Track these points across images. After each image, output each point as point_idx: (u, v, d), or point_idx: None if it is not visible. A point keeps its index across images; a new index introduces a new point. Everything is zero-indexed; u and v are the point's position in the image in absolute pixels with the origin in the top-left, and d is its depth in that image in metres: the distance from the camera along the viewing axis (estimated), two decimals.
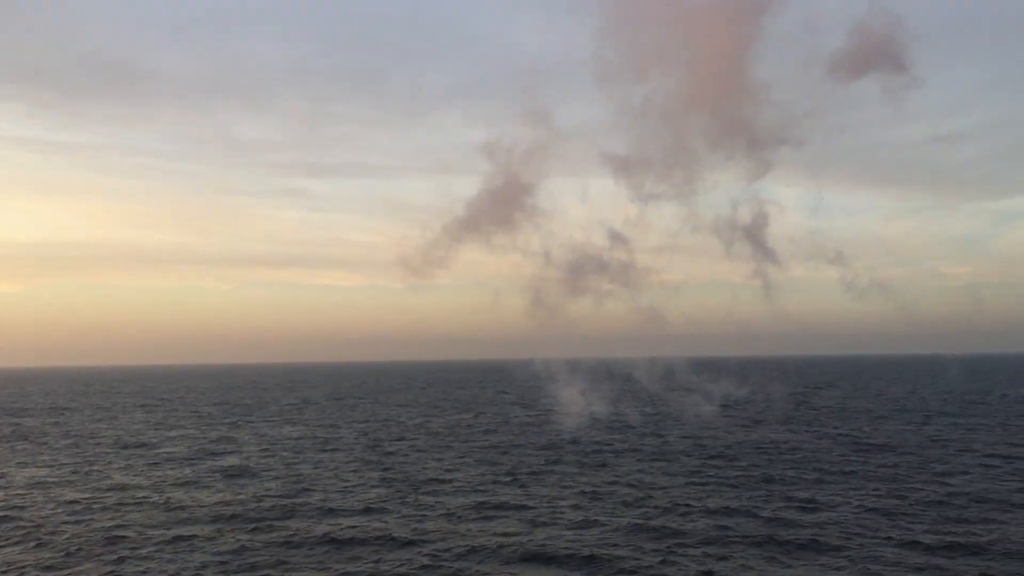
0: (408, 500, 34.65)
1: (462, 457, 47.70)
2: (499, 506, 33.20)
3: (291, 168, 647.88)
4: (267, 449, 52.68)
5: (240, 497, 35.49)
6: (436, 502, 34.17)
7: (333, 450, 51.76)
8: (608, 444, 52.09)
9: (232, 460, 47.38)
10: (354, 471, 42.81)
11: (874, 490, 35.38)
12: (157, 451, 52.77)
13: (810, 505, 32.51)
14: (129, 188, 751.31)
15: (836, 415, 72.73)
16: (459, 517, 31.27)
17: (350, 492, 36.61)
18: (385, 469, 43.38)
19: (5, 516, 32.19)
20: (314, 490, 37.14)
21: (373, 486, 38.19)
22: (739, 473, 40.23)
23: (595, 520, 30.11)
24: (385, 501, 34.43)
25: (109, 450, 53.84)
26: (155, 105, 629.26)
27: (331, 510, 32.65)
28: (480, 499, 34.59)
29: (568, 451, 49.33)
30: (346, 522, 30.58)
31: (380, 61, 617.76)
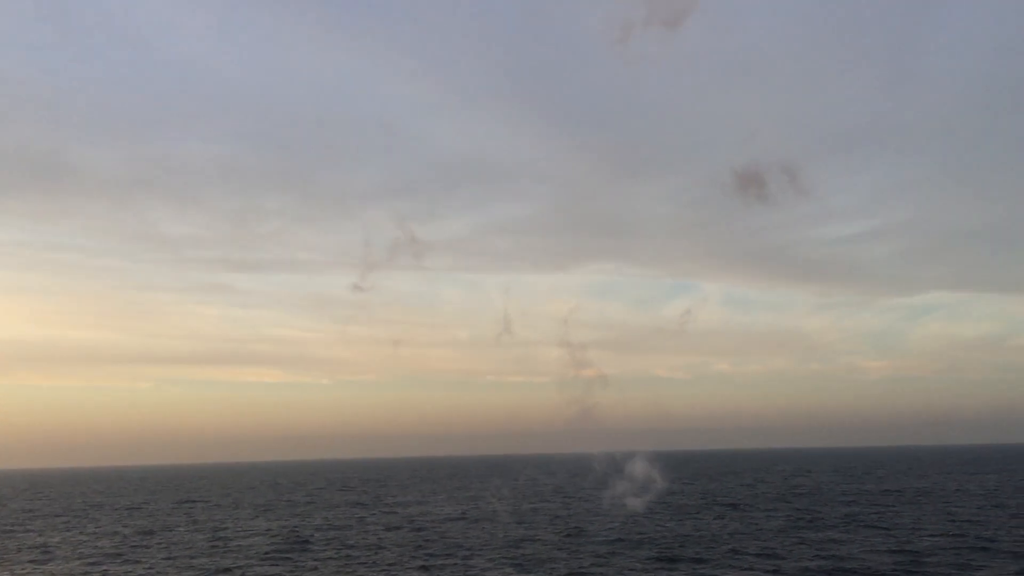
0: None
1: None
2: None
3: (216, 264, 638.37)
4: None
5: None
6: None
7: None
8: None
9: None
10: None
11: None
12: None
13: None
14: (49, 285, 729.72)
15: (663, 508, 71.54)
16: None
17: None
18: None
19: None
20: None
21: None
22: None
23: None
24: None
25: None
26: (80, 201, 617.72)
27: None
28: None
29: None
30: None
31: (310, 160, 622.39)
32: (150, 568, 44.55)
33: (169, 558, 48.24)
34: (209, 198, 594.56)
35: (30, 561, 48.78)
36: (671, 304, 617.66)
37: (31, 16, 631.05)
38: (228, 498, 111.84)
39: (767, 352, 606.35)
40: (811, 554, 43.64)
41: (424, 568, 41.93)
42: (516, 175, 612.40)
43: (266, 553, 49.46)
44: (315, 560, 45.96)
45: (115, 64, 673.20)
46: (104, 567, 45.56)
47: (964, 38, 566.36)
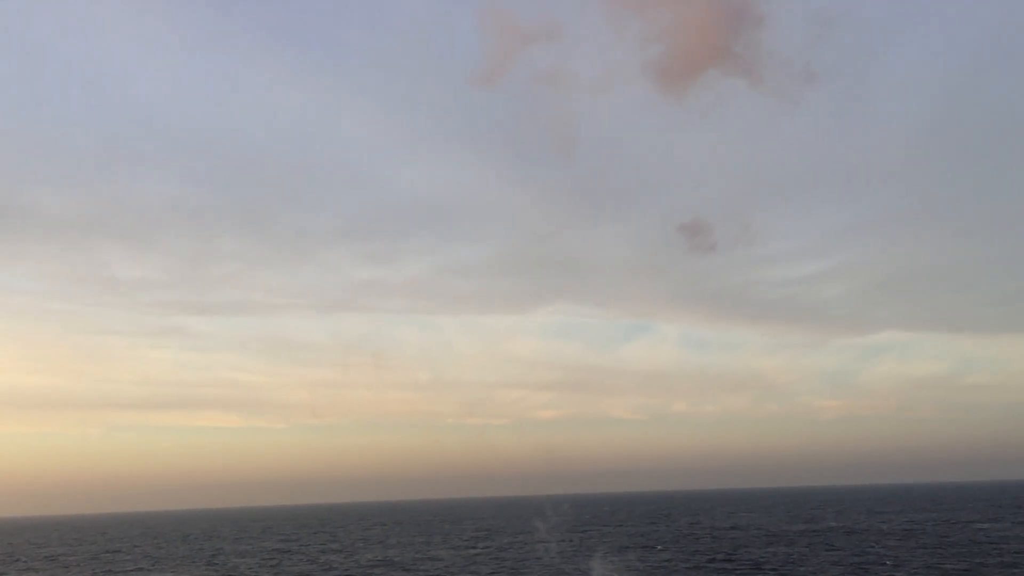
0: None
1: None
2: None
3: (171, 307, 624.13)
4: None
5: None
6: None
7: None
8: None
9: None
10: None
11: None
12: None
13: None
14: None
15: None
16: None
17: None
18: None
19: None
20: None
21: None
22: None
23: None
24: None
25: None
26: (30, 244, 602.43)
27: None
28: None
29: None
30: None
31: (268, 201, 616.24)
32: None
33: None
34: (164, 240, 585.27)
35: None
36: (628, 345, 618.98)
37: None
38: (157, 548, 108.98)
39: (724, 393, 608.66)
40: None
41: None
42: (475, 217, 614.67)
43: None
44: None
45: (68, 104, 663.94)
46: None
47: (910, 84, 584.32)
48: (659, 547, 77.81)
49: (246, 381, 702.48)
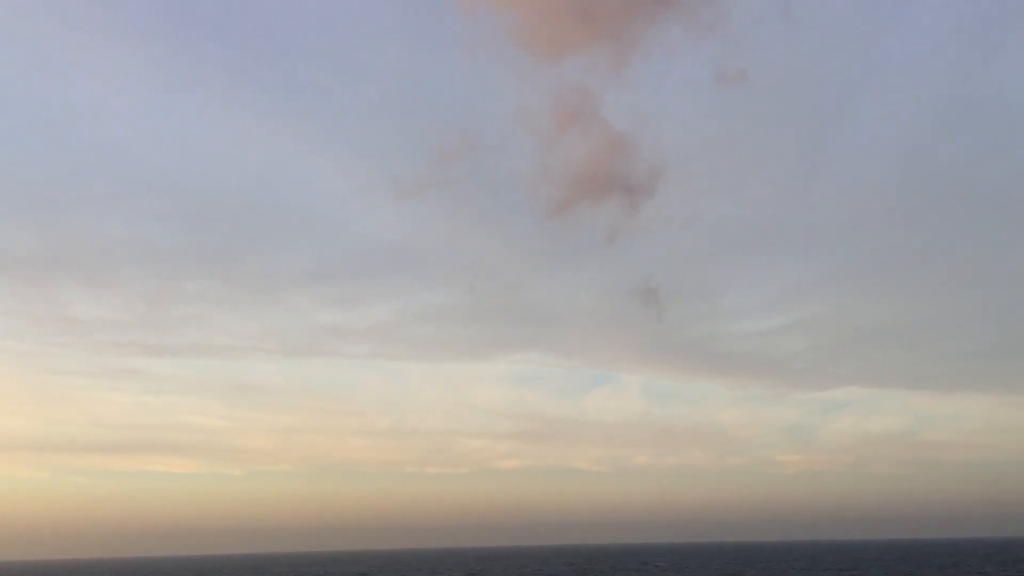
0: None
1: None
2: None
3: (130, 348, 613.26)
4: None
5: None
6: None
7: None
8: None
9: None
10: None
11: None
12: None
13: None
14: None
15: None
16: None
17: None
18: None
19: None
20: None
21: None
22: None
23: None
24: None
25: None
26: None
27: None
28: None
29: None
30: None
31: (232, 243, 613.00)
32: None
33: None
34: (125, 280, 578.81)
35: None
36: (592, 396, 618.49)
37: None
38: None
39: (686, 445, 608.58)
40: None
41: None
42: (440, 263, 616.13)
43: None
44: None
45: (30, 140, 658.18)
46: None
47: (871, 142, 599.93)
48: None
49: (205, 425, 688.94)
